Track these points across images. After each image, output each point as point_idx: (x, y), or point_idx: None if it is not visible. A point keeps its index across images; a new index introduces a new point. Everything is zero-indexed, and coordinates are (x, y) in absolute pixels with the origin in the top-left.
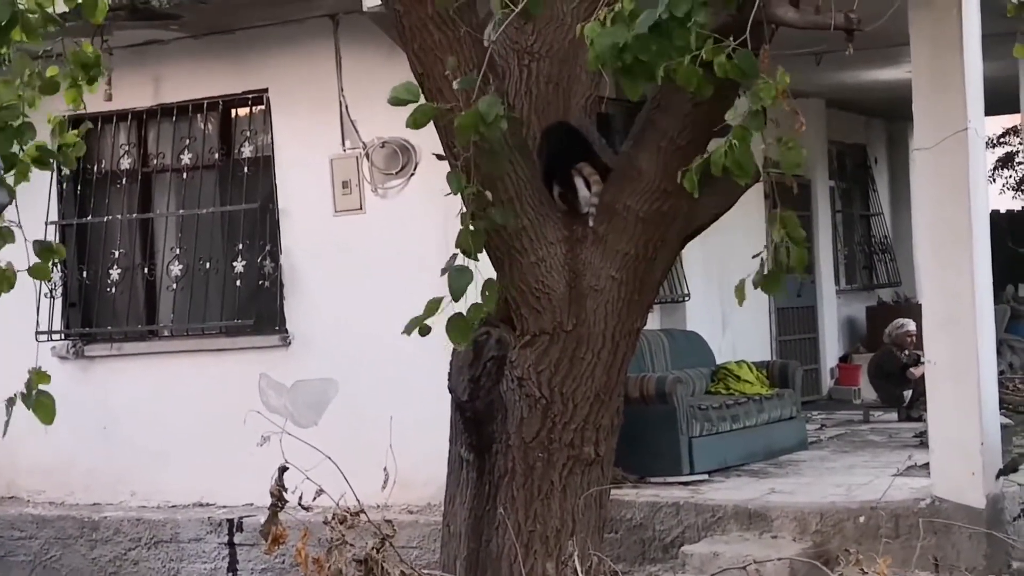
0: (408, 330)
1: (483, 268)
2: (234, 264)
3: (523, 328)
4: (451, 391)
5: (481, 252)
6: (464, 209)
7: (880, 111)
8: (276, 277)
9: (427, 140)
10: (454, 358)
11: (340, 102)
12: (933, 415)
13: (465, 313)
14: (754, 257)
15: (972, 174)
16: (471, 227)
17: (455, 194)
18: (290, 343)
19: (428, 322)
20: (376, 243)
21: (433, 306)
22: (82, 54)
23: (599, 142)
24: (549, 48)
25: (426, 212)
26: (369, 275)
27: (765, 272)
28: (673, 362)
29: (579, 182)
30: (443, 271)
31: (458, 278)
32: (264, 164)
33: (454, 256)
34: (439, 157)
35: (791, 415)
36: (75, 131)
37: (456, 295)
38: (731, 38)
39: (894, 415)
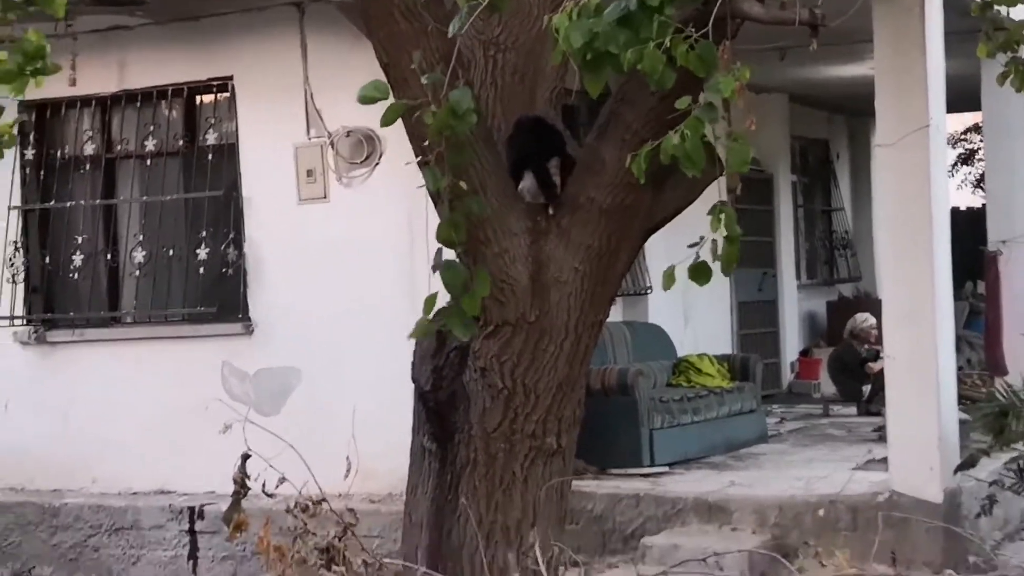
0: (416, 334)
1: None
2: (197, 252)
3: (486, 319)
4: (414, 381)
5: (464, 242)
6: (441, 201)
7: (843, 107)
8: (239, 265)
9: (392, 130)
10: (417, 348)
11: (305, 90)
12: (892, 410)
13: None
14: (690, 247)
15: (933, 171)
16: (451, 218)
17: (433, 190)
18: (253, 331)
19: (393, 311)
20: (340, 232)
21: (431, 303)
22: (27, 42)
23: (566, 134)
24: (515, 40)
25: (391, 202)
26: (333, 264)
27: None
28: (635, 354)
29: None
30: (433, 268)
31: (452, 274)
32: (228, 152)
33: (440, 251)
34: (420, 162)
35: (751, 408)
36: (8, 122)
37: (454, 290)
38: (695, 30)
39: (853, 409)
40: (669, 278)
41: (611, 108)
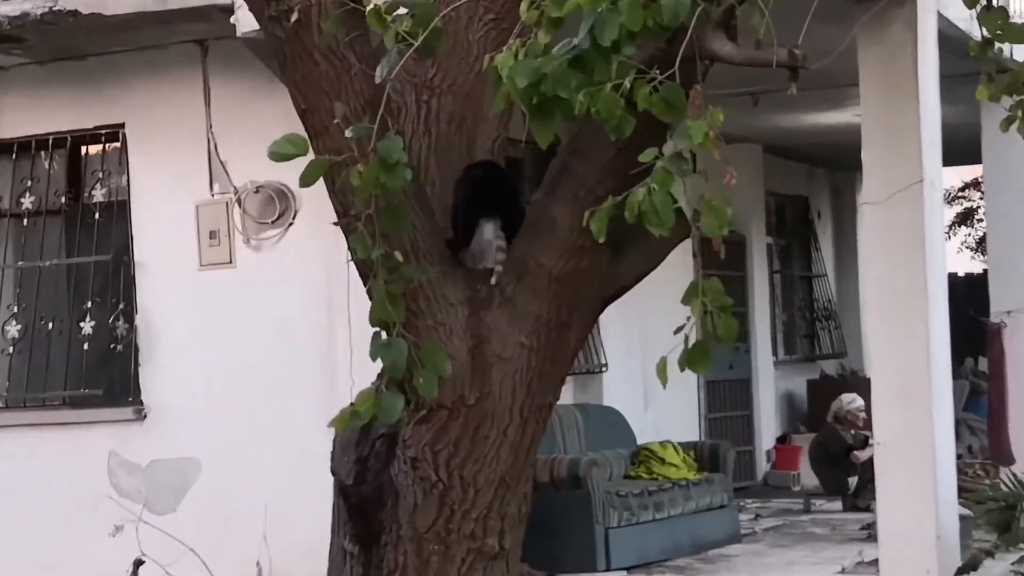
0: (337, 424)
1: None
2: (82, 325)
3: (418, 402)
4: (334, 473)
5: (403, 319)
6: (373, 274)
7: (824, 159)
8: (130, 340)
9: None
10: (337, 435)
11: (208, 140)
12: (883, 505)
13: (382, 389)
14: (676, 332)
15: (928, 232)
16: (387, 291)
17: (363, 258)
18: (145, 416)
19: (310, 393)
20: (249, 302)
21: (367, 396)
22: None
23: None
24: (452, 82)
25: (307, 267)
26: (239, 340)
27: (690, 347)
28: (588, 442)
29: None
30: (372, 355)
31: (391, 352)
32: (118, 210)
33: (376, 336)
34: (337, 224)
35: (722, 503)
36: None
37: (397, 371)
38: (659, 73)
39: (838, 504)
40: (664, 372)
41: (562, 161)
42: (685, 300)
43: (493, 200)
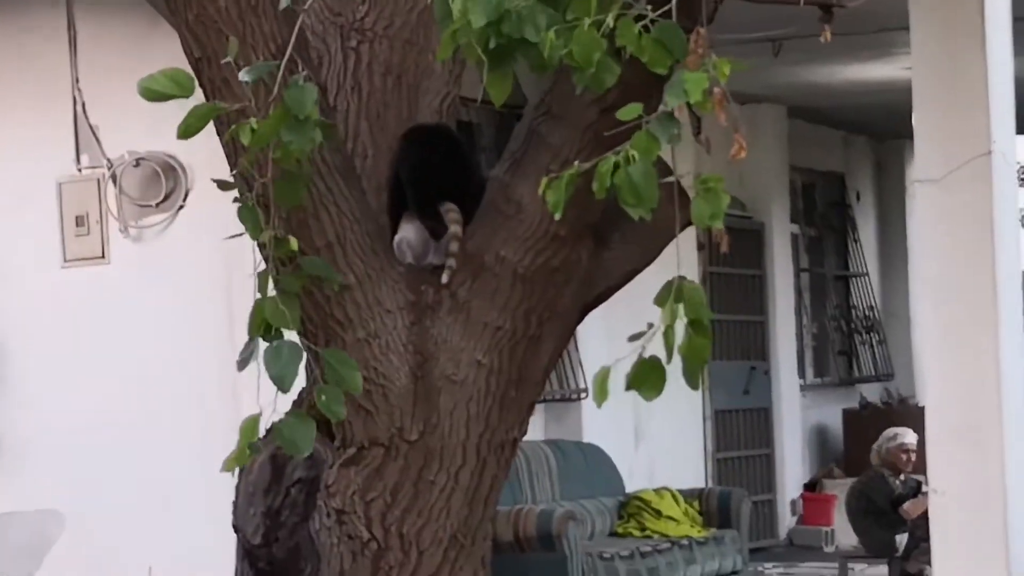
0: (229, 466)
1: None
2: None
3: (345, 437)
4: (237, 530)
5: (298, 326)
6: (266, 259)
7: (865, 125)
8: None
9: (204, 156)
10: (241, 480)
11: (74, 99)
12: (939, 570)
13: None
14: (631, 339)
15: (997, 217)
16: (279, 289)
17: (252, 239)
18: None
19: (206, 423)
20: (126, 307)
21: (251, 427)
22: None
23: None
24: (388, 23)
25: (202, 260)
26: (114, 355)
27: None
28: (563, 489)
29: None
30: (240, 364)
31: (279, 360)
32: None
33: (249, 342)
34: (221, 185)
35: (734, 568)
36: None
37: (286, 384)
38: (651, 9)
39: (884, 570)
40: (602, 387)
41: (530, 126)
42: (658, 301)
43: (444, 175)
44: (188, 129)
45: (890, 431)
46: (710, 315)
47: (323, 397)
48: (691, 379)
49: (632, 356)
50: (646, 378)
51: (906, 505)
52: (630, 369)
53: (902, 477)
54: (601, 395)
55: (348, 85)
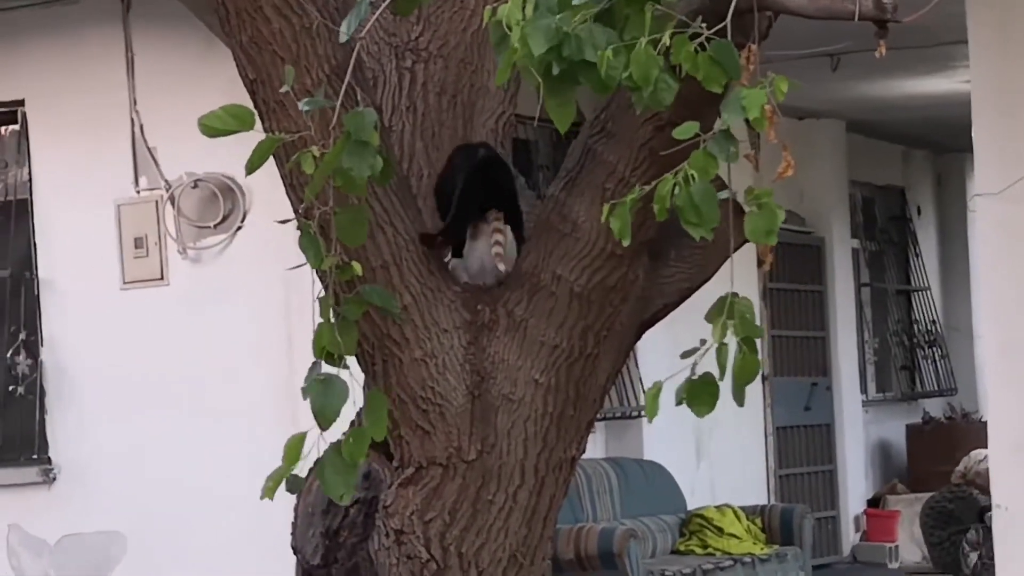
0: (268, 493)
1: (357, 371)
2: None
3: (403, 457)
4: (296, 551)
5: (353, 353)
6: (326, 286)
7: (925, 140)
8: (35, 380)
9: (262, 177)
10: (300, 502)
11: (132, 120)
12: None
13: (342, 446)
14: (683, 356)
15: None
16: (337, 317)
17: (314, 268)
18: (55, 479)
19: (264, 445)
20: (186, 329)
21: (295, 449)
22: None
23: (518, 182)
24: (443, 44)
25: (261, 283)
26: (176, 377)
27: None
28: (624, 507)
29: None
30: (304, 392)
31: (326, 395)
32: (18, 212)
33: (315, 364)
34: (282, 221)
35: None
36: None
37: (326, 421)
38: (706, 27)
39: None
40: (653, 402)
41: (586, 145)
42: (709, 317)
43: (496, 191)
44: (253, 165)
45: (979, 452)
46: (759, 332)
47: (350, 440)
48: (738, 395)
49: (680, 371)
50: (698, 394)
51: None
52: (682, 385)
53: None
54: (652, 410)
55: (403, 105)
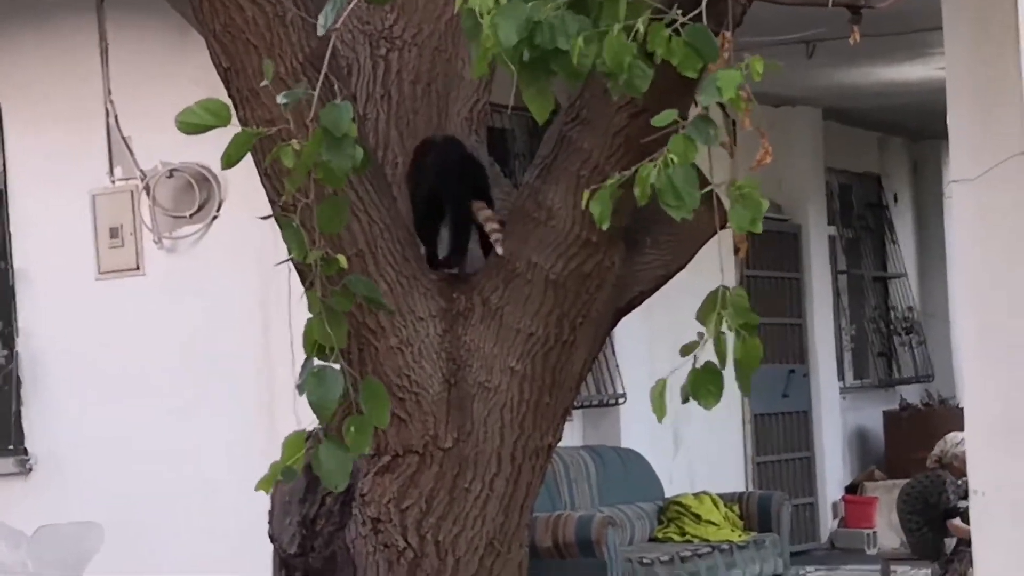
0: (264, 485)
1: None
2: None
3: (380, 445)
4: (273, 540)
5: (344, 344)
6: (309, 280)
7: (901, 127)
8: (10, 372)
9: (237, 167)
10: (276, 490)
11: (106, 111)
12: (981, 571)
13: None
14: (683, 352)
15: None
16: (325, 306)
17: (300, 259)
18: (31, 469)
19: (241, 435)
20: (162, 319)
21: (295, 446)
22: None
23: (492, 170)
24: (417, 32)
25: (236, 273)
26: (152, 368)
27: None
28: (602, 495)
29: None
30: (299, 388)
31: (322, 388)
32: None
33: (308, 362)
34: (265, 217)
35: (775, 571)
36: None
37: (325, 413)
38: (681, 13)
39: (927, 571)
40: (659, 401)
41: (560, 132)
42: (700, 316)
43: (472, 188)
44: (230, 159)
45: (955, 435)
46: (756, 319)
47: (352, 429)
48: (745, 384)
49: (685, 366)
50: (703, 385)
51: (956, 522)
52: (686, 379)
53: (960, 481)
54: (660, 410)
55: (378, 93)
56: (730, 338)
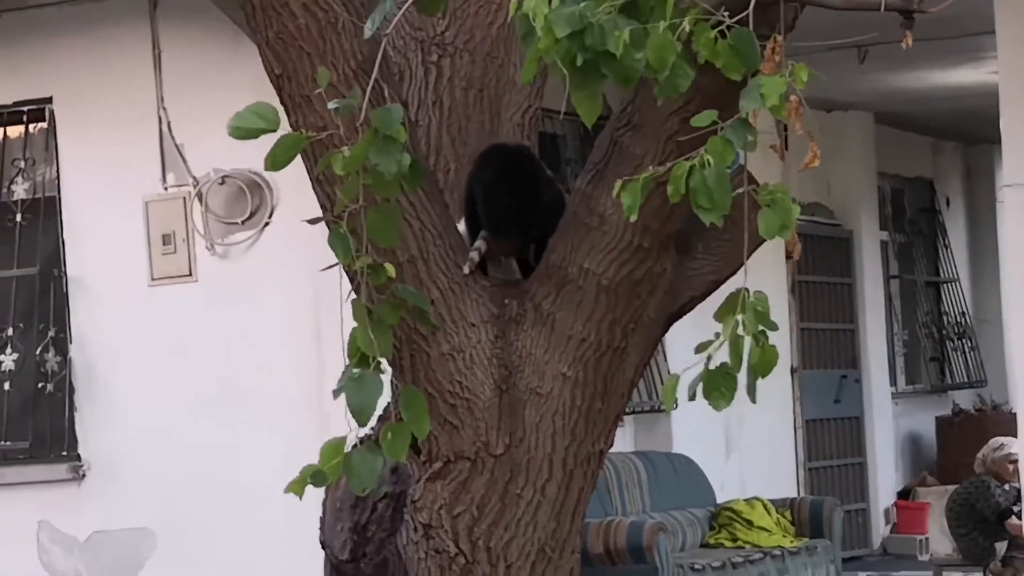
0: (294, 488)
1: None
2: (1, 358)
3: (431, 452)
4: (324, 546)
5: (389, 355)
6: (358, 287)
7: (954, 131)
8: (64, 377)
9: (289, 173)
10: (328, 497)
11: (159, 118)
12: None
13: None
14: (697, 350)
15: None
16: (371, 318)
17: (344, 265)
18: (84, 475)
19: (293, 441)
20: (214, 325)
21: (334, 450)
22: None
23: (545, 177)
24: (469, 38)
25: (289, 279)
26: (204, 374)
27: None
28: (654, 501)
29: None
30: (335, 392)
31: (361, 392)
32: (46, 210)
33: (348, 368)
34: (311, 222)
35: None
36: None
37: (364, 418)
38: (728, 16)
39: None
40: (671, 394)
41: (612, 138)
42: (717, 316)
43: (514, 196)
44: (276, 161)
45: (996, 440)
46: (774, 326)
47: (389, 436)
48: (752, 390)
49: (698, 365)
50: (716, 386)
51: (1012, 520)
52: (696, 379)
53: (1007, 487)
54: (670, 403)
55: (429, 100)
56: (747, 341)
